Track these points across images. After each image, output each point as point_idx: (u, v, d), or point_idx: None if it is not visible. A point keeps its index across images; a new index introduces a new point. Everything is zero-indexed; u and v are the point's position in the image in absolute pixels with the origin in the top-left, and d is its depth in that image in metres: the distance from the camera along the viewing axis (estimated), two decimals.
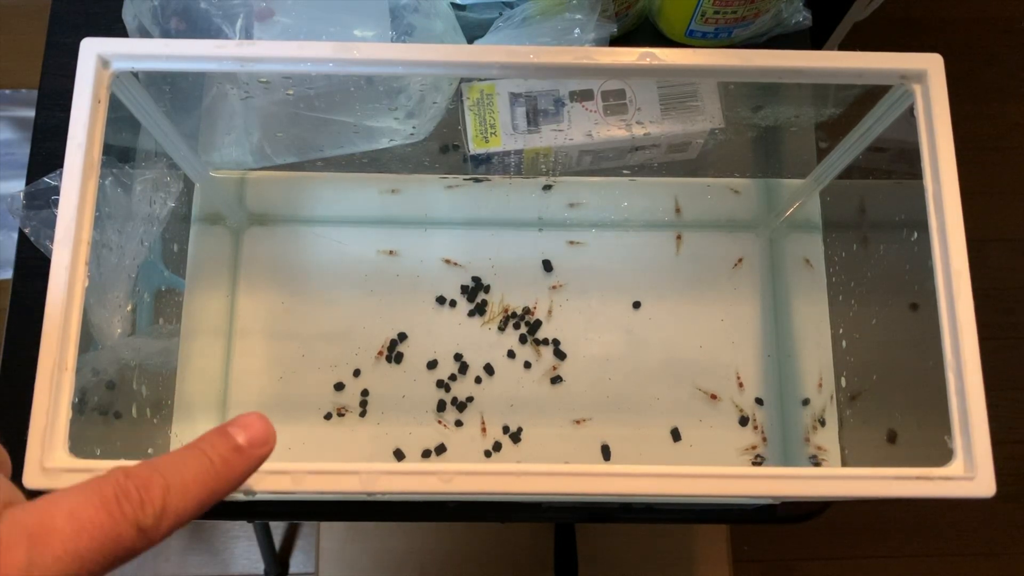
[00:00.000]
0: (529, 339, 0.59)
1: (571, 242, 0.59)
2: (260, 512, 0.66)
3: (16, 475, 0.29)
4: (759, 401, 0.58)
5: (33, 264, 0.57)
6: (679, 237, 0.61)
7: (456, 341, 0.58)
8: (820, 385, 0.57)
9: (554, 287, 0.60)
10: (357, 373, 0.58)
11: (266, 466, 0.33)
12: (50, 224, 0.48)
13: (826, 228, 0.60)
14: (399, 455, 0.56)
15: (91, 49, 0.37)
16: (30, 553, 0.23)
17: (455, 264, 0.60)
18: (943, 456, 0.34)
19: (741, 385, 0.57)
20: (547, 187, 0.61)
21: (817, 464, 0.56)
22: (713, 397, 0.57)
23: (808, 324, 0.58)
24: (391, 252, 0.60)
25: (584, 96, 0.56)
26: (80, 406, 0.36)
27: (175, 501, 0.25)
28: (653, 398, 0.58)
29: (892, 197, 0.48)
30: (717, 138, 0.57)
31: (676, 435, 0.57)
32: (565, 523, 1.09)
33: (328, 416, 0.57)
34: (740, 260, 0.60)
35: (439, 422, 0.57)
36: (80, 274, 0.35)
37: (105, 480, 0.25)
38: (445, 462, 0.55)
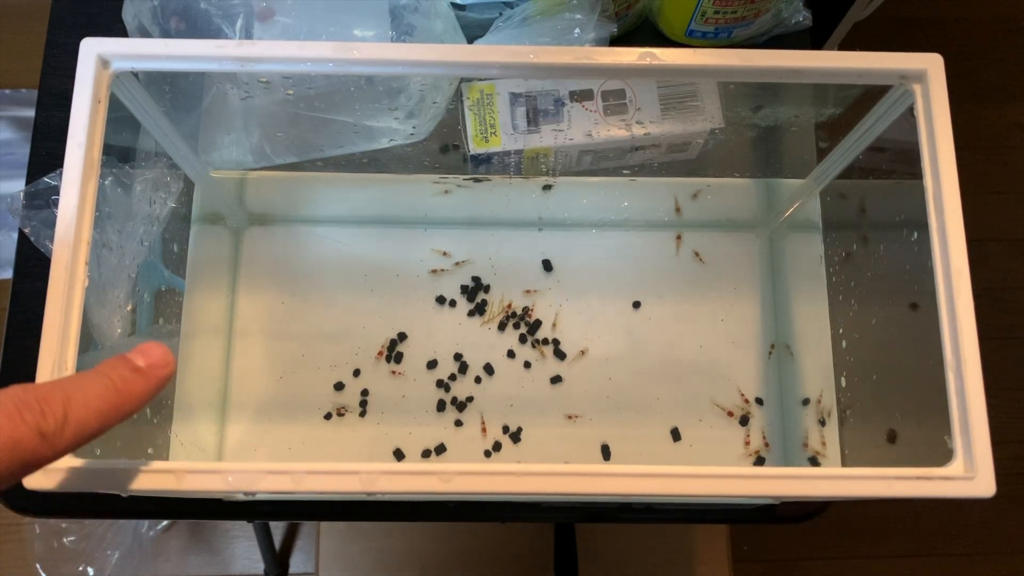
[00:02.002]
0: (529, 339, 0.59)
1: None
2: (260, 512, 0.65)
3: None
4: (759, 401, 0.58)
5: (33, 264, 0.57)
6: (679, 237, 0.61)
7: (456, 341, 0.58)
8: (820, 385, 0.57)
9: (554, 287, 0.60)
10: (357, 373, 0.58)
11: (266, 466, 0.33)
12: (50, 224, 0.48)
13: (826, 228, 0.60)
14: (399, 455, 0.56)
15: (91, 49, 0.37)
16: None
17: (455, 264, 0.60)
18: (943, 456, 0.34)
19: (746, 401, 0.58)
20: (547, 187, 0.61)
21: (817, 464, 0.56)
22: (730, 415, 0.57)
23: (808, 324, 0.59)
24: (391, 252, 0.60)
25: (584, 96, 0.56)
26: None
27: (77, 411, 0.26)
28: (653, 398, 0.58)
29: (892, 197, 0.48)
30: (717, 138, 0.57)
31: (676, 435, 0.57)
32: (565, 523, 1.09)
33: (328, 416, 0.57)
34: (740, 260, 0.60)
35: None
36: (80, 274, 0.35)
37: (4, 393, 0.26)
38: (445, 462, 0.55)
